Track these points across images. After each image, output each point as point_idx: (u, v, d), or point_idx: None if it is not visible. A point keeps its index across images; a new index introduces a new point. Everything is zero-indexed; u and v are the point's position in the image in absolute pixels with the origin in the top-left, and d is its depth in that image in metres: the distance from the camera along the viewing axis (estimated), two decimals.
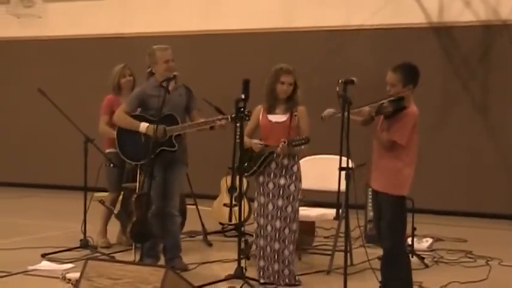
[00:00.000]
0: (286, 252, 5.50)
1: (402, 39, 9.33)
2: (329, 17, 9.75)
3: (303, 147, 5.42)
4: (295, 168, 5.56)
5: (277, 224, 5.49)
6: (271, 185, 5.55)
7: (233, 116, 5.52)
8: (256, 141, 5.54)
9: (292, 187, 5.52)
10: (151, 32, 10.22)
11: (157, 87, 5.93)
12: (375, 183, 5.01)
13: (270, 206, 5.53)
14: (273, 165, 5.55)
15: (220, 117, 5.71)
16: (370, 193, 7.06)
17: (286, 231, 5.49)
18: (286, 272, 5.51)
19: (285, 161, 5.54)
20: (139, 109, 6.09)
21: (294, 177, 5.54)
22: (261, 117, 5.62)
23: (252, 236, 5.87)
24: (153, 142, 5.65)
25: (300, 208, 6.36)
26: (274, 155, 5.51)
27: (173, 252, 6.05)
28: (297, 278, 5.56)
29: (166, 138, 5.78)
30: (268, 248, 5.52)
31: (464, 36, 9.19)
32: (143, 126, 5.89)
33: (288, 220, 5.49)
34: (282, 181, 5.52)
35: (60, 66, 11.25)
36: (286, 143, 5.39)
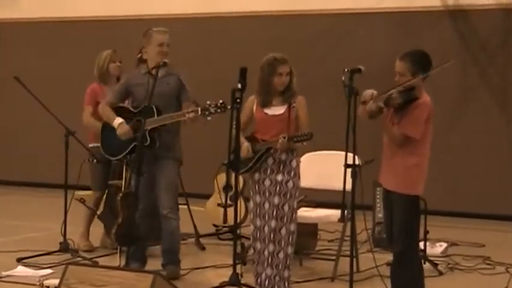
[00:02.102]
0: (281, 255, 5.48)
1: (415, 24, 9.31)
2: (336, 0, 9.74)
3: (305, 143, 5.43)
4: (293, 163, 5.55)
5: (273, 223, 5.48)
6: (267, 182, 5.55)
7: (204, 108, 5.58)
8: (246, 144, 5.53)
9: (290, 184, 5.51)
10: (141, 15, 10.19)
11: (145, 75, 5.95)
12: (386, 181, 5.02)
13: (267, 205, 5.53)
14: (270, 160, 5.55)
15: (189, 110, 5.73)
16: (378, 193, 7.10)
17: (283, 231, 5.47)
18: (277, 278, 5.49)
19: (283, 156, 5.53)
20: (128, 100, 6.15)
21: (292, 173, 5.53)
22: (255, 110, 5.62)
23: (249, 239, 5.87)
24: (139, 137, 5.65)
25: (302, 209, 6.39)
26: (272, 150, 5.51)
27: (165, 257, 6.08)
28: (286, 284, 5.51)
29: (143, 132, 5.74)
30: (266, 252, 5.52)
31: (483, 21, 9.18)
32: (117, 121, 5.96)
33: (285, 220, 5.48)
34: (279, 177, 5.52)
35: (38, 52, 11.21)
36: (286, 138, 5.39)
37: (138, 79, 6.00)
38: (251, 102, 5.64)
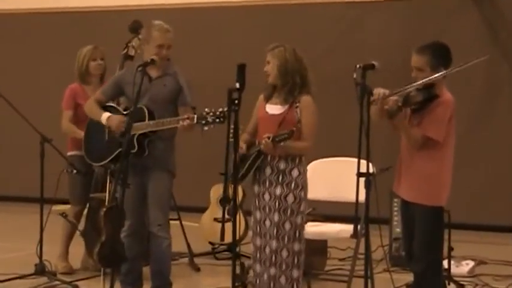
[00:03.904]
0: (283, 279, 5.44)
1: (435, 12, 9.33)
2: None
3: (288, 142, 5.37)
4: (294, 173, 5.51)
5: (274, 244, 5.47)
6: (267, 196, 5.53)
7: (200, 117, 5.56)
8: (241, 144, 5.53)
9: (290, 198, 5.47)
10: (126, 6, 10.21)
11: (137, 72, 5.91)
12: (404, 191, 5.02)
13: (267, 223, 5.51)
14: (268, 170, 5.53)
15: (184, 117, 5.70)
16: (396, 204, 7.09)
17: (284, 253, 5.45)
18: None
19: (282, 165, 5.50)
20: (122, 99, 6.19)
21: (292, 185, 5.49)
22: (259, 107, 5.64)
23: (249, 258, 5.86)
24: (125, 143, 5.64)
25: (309, 224, 6.36)
26: (269, 157, 5.49)
27: (154, 281, 6.05)
28: None
29: (129, 137, 5.73)
30: (265, 275, 5.49)
31: None
32: (105, 116, 5.93)
33: (287, 239, 5.45)
34: (278, 190, 5.49)
35: (12, 48, 11.21)
36: (271, 139, 5.36)
37: (132, 76, 5.87)
38: (260, 102, 5.67)
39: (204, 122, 5.58)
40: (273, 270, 5.48)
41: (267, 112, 5.58)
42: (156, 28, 5.99)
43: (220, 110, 5.54)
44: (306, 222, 5.63)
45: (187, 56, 9.84)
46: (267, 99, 5.61)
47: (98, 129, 6.02)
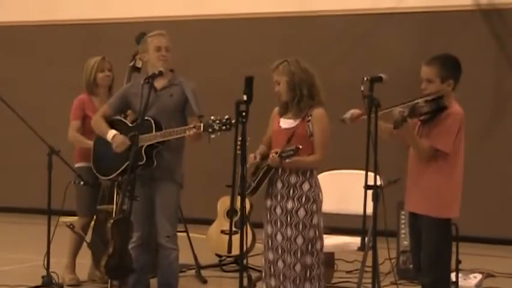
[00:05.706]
0: None
1: (444, 25, 9.34)
2: None
3: (296, 157, 5.36)
4: (305, 186, 5.50)
5: (288, 259, 5.46)
6: (278, 210, 5.52)
7: (206, 125, 5.57)
8: (252, 155, 5.53)
9: (301, 212, 5.45)
10: (132, 18, 10.25)
11: (144, 85, 5.93)
12: (412, 204, 5.02)
13: (279, 237, 5.49)
14: (279, 184, 5.52)
15: (190, 126, 5.71)
16: (403, 217, 7.09)
17: (298, 267, 5.42)
18: None
19: (292, 179, 5.50)
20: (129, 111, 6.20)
21: (303, 199, 5.47)
22: (274, 121, 5.65)
23: (257, 270, 5.86)
24: (132, 155, 5.65)
25: None
26: (280, 171, 5.50)
27: None
28: None
29: (136, 150, 5.72)
30: None
31: None
32: (110, 134, 5.94)
33: (299, 254, 5.43)
34: (290, 205, 5.47)
35: (20, 59, 11.25)
36: (278, 154, 5.37)
37: (136, 88, 5.93)
38: (274, 114, 5.68)
39: (210, 130, 5.60)
40: (288, 285, 5.45)
41: (280, 126, 5.59)
42: (149, 35, 6.04)
43: (226, 117, 5.55)
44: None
45: (196, 67, 9.90)
46: (282, 114, 5.62)
47: (106, 142, 6.02)
